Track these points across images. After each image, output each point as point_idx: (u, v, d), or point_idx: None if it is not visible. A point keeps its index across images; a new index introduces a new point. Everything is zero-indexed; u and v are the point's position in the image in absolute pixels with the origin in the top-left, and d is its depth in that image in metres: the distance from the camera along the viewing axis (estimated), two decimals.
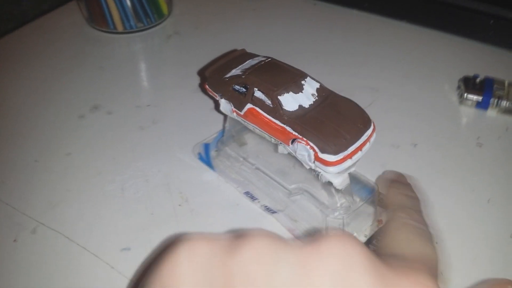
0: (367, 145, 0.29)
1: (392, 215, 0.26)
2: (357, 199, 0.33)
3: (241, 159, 0.37)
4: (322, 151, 0.27)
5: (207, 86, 0.34)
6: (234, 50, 0.36)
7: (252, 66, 0.32)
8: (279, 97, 0.29)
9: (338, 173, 0.29)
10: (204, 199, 0.36)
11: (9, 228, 0.34)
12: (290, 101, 0.29)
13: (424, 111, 0.44)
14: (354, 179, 0.33)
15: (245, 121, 0.33)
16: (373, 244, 0.32)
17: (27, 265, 0.32)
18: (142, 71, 0.51)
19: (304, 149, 0.28)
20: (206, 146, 0.39)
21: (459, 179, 0.38)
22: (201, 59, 0.48)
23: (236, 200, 0.36)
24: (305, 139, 0.28)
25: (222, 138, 0.39)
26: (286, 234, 0.33)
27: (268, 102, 0.30)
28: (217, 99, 0.34)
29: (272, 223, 0.34)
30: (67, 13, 0.58)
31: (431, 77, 0.47)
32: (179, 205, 0.36)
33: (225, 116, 0.35)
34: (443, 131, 0.42)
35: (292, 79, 0.30)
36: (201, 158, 0.39)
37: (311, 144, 0.28)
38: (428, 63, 0.49)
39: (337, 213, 0.32)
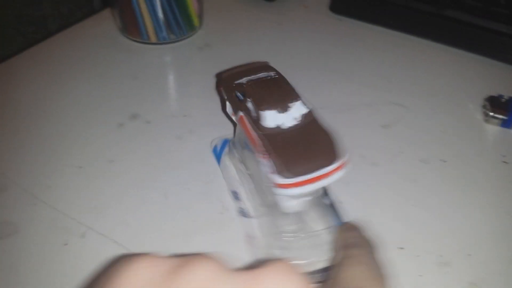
0: (326, 179, 0.29)
1: (348, 253, 0.26)
2: (317, 228, 0.33)
3: (241, 161, 0.39)
4: (275, 171, 0.29)
5: (221, 88, 0.36)
6: (257, 62, 0.38)
7: (258, 78, 0.34)
8: (262, 111, 0.31)
9: (290, 197, 0.30)
10: None
11: (59, 232, 0.36)
12: (271, 118, 0.31)
13: (451, 128, 0.45)
14: (330, 208, 0.35)
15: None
16: (323, 275, 0.32)
17: (78, 268, 0.34)
18: (176, 81, 0.53)
19: (264, 165, 0.30)
20: (225, 141, 0.42)
21: (486, 194, 0.39)
22: None
23: None
24: (266, 155, 0.29)
25: (233, 139, 0.41)
26: (244, 240, 0.35)
27: (254, 114, 0.32)
28: (225, 100, 0.36)
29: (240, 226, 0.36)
30: (101, 22, 0.60)
31: (456, 95, 0.49)
32: (221, 213, 0.37)
33: None
34: (470, 148, 0.43)
35: (283, 98, 0.32)
36: (214, 150, 0.42)
37: (270, 161, 0.29)
38: (453, 81, 0.51)
39: (283, 235, 0.33)
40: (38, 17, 1.07)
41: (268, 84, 0.34)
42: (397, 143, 0.44)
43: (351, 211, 0.37)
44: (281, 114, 0.31)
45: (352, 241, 0.29)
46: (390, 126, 0.46)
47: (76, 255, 0.35)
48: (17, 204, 0.38)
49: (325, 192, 0.36)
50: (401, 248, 0.35)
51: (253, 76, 0.35)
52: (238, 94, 0.34)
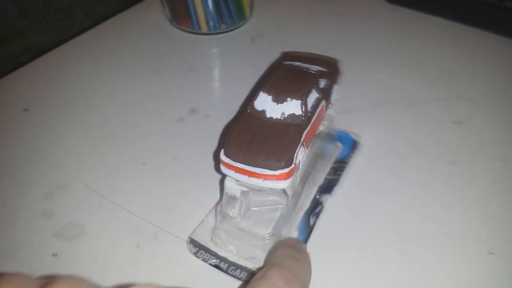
0: (259, 180, 0.28)
1: (268, 273, 0.24)
2: (261, 231, 0.31)
3: None
4: (224, 146, 0.28)
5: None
6: (329, 57, 0.36)
7: (299, 66, 0.33)
8: (261, 92, 0.31)
9: (228, 176, 0.30)
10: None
11: (129, 233, 0.34)
12: (261, 101, 0.30)
13: None
14: (306, 227, 0.33)
15: None
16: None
17: (151, 271, 0.32)
18: (231, 73, 0.51)
19: None
20: None
21: None
22: None
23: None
24: (234, 129, 0.29)
25: None
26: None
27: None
28: None
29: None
30: (147, 11, 0.58)
31: None
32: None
33: None
34: None
35: (288, 91, 0.30)
36: None
37: (230, 136, 0.29)
38: None
39: (224, 219, 0.32)
40: (64, 5, 1.05)
41: (296, 74, 0.32)
42: (472, 140, 0.41)
43: (430, 213, 0.35)
44: (273, 103, 0.30)
45: (279, 260, 0.27)
46: (462, 122, 0.43)
47: (149, 257, 0.33)
48: (82, 203, 0.36)
49: (317, 212, 0.35)
50: (491, 253, 0.33)
51: (301, 64, 0.34)
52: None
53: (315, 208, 0.35)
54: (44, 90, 0.47)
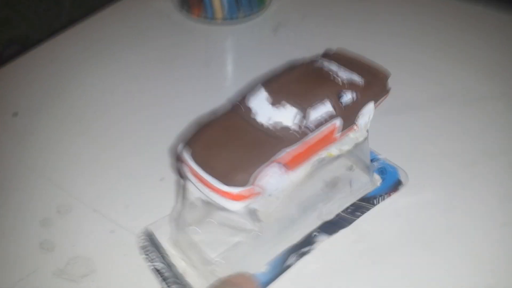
0: (205, 189, 0.24)
1: None
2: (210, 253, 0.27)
3: None
4: (188, 138, 0.25)
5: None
6: (378, 67, 0.29)
7: (327, 69, 0.27)
8: (263, 88, 0.26)
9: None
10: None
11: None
12: (256, 99, 0.26)
13: None
14: (277, 267, 0.28)
15: None
16: None
17: None
18: (253, 69, 0.44)
19: None
20: None
21: None
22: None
23: None
24: (207, 122, 0.26)
25: None
26: None
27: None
28: None
29: None
30: None
31: None
32: None
33: None
34: None
35: (291, 95, 0.25)
36: None
37: (197, 128, 0.25)
38: None
39: (180, 224, 0.28)
40: None
41: (316, 77, 0.27)
42: None
43: None
44: (266, 104, 0.25)
45: None
46: None
47: None
48: (88, 231, 0.30)
49: (302, 253, 0.28)
50: None
51: (333, 67, 0.27)
52: None
53: (303, 246, 0.28)
54: (36, 91, 0.40)
